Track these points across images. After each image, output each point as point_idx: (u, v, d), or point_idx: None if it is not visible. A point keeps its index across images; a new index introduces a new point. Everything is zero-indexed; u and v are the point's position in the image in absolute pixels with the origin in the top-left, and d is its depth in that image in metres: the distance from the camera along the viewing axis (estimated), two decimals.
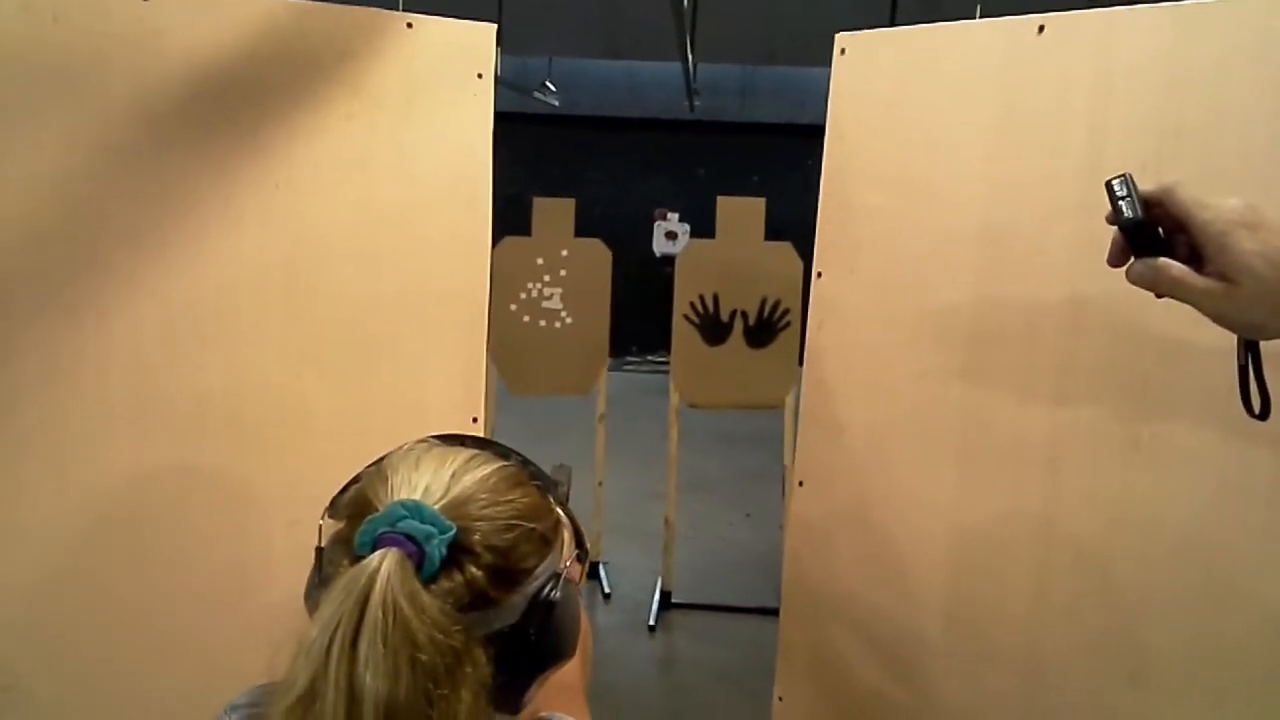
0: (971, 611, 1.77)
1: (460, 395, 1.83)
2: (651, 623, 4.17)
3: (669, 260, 9.34)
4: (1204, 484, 1.50)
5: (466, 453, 0.87)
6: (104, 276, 1.55)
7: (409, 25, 1.73)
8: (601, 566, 4.61)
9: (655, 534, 4.58)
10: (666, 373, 4.47)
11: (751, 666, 3.66)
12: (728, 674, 3.74)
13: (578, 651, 0.92)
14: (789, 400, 4.26)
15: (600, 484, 4.55)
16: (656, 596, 4.34)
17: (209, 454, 1.65)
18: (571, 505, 1.04)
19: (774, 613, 2.20)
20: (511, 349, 4.35)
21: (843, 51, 1.91)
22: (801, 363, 2.06)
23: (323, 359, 1.72)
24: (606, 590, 4.47)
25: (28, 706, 1.55)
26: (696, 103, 8.63)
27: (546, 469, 1.26)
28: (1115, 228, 0.93)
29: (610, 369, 4.56)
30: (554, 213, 4.44)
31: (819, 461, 2.00)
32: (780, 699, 2.10)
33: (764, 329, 4.27)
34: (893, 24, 1.88)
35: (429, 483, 0.82)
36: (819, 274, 1.97)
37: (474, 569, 0.79)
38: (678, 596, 4.37)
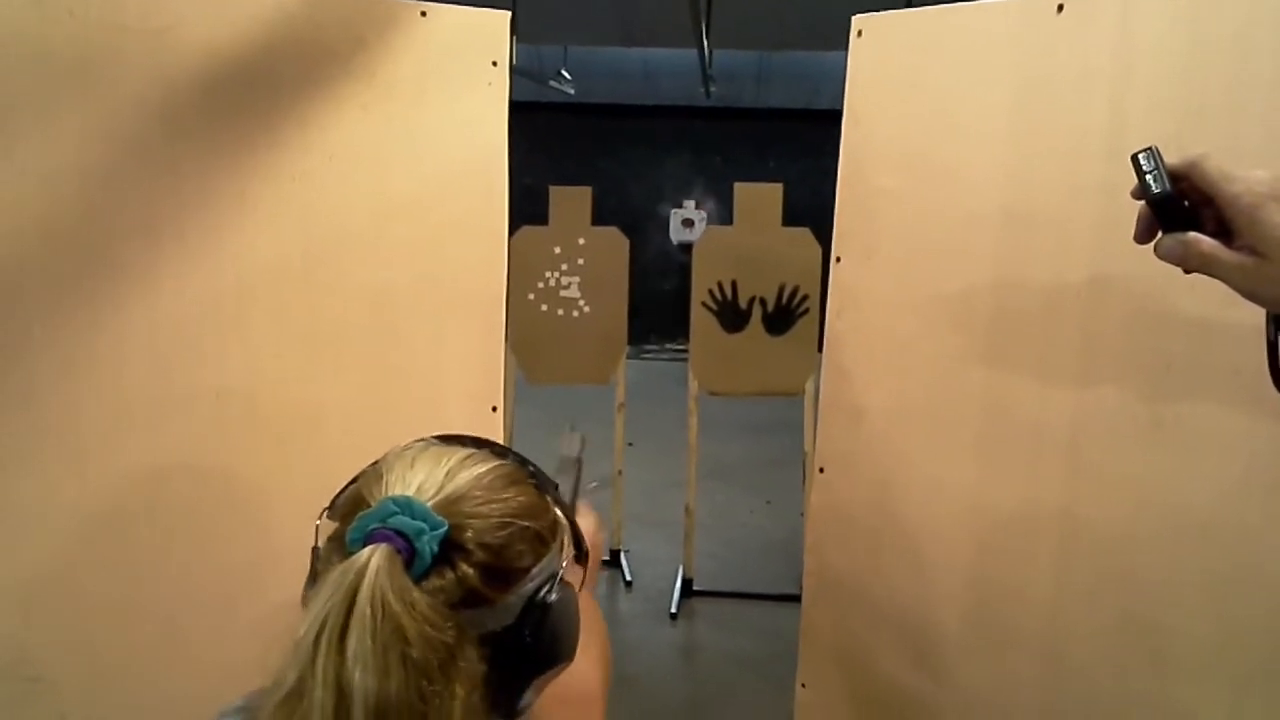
0: (993, 596, 1.77)
1: (479, 385, 1.83)
2: (673, 610, 4.17)
3: (687, 248, 9.33)
4: (1229, 466, 1.48)
5: (463, 451, 0.86)
6: (120, 270, 1.55)
7: (423, 14, 1.72)
8: (623, 555, 4.62)
9: (676, 522, 4.58)
10: (685, 360, 4.46)
11: (773, 653, 3.65)
12: (750, 661, 3.74)
13: (598, 660, 0.91)
14: (808, 387, 4.25)
15: (620, 473, 4.55)
16: (678, 584, 4.35)
17: (226, 447, 1.65)
18: (591, 494, 1.02)
19: (796, 599, 2.20)
20: (529, 338, 4.36)
21: (859, 34, 1.89)
22: (821, 349, 2.05)
23: (340, 350, 1.72)
24: (628, 578, 4.48)
25: (54, 698, 1.56)
26: (712, 89, 8.60)
27: (561, 438, 1.25)
28: (1141, 203, 0.92)
29: (629, 357, 4.55)
30: (571, 201, 4.43)
31: (839, 448, 1.99)
32: (803, 686, 2.10)
33: (783, 315, 4.25)
34: (909, 5, 1.86)
35: (423, 480, 0.81)
36: (838, 259, 1.96)
37: (466, 566, 0.77)
38: (699, 584, 4.37)
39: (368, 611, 0.69)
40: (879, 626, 1.95)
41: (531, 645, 0.81)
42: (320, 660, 0.68)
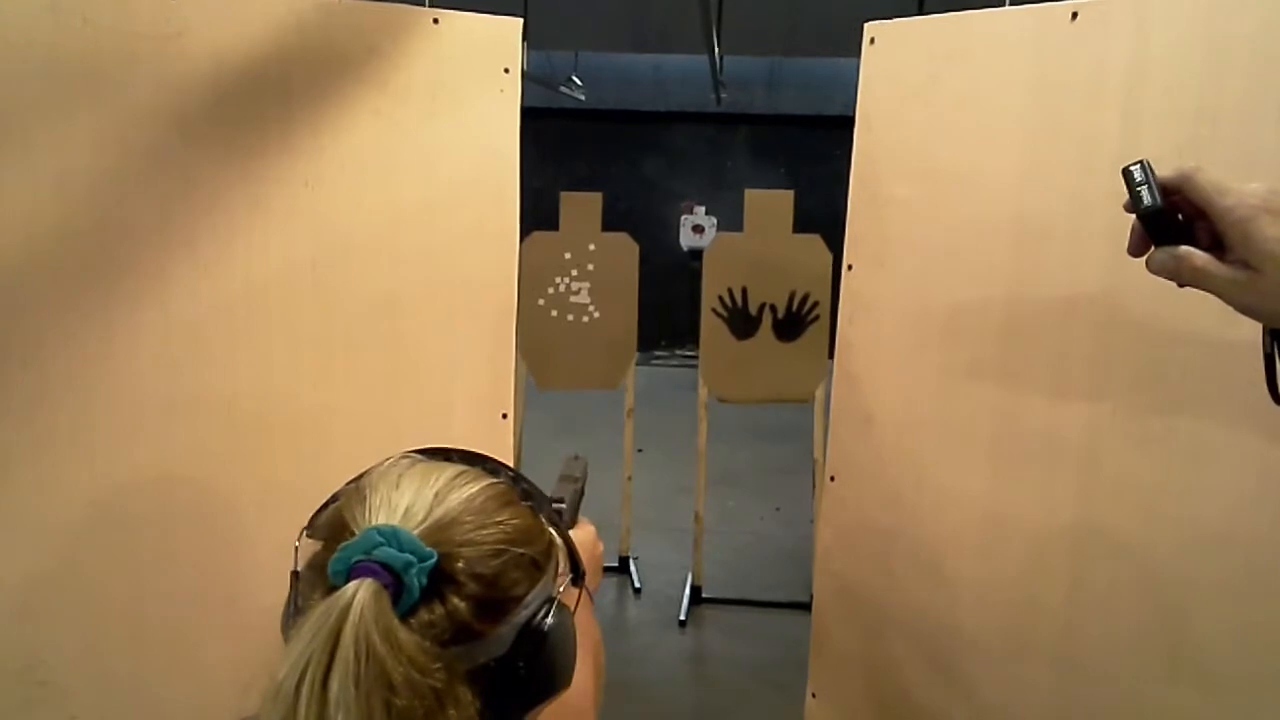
0: (1006, 605, 1.76)
1: (489, 391, 1.82)
2: (682, 618, 4.16)
3: (697, 254, 9.32)
4: (1242, 477, 1.47)
5: (452, 470, 0.81)
6: (133, 275, 1.56)
7: (435, 21, 1.72)
8: (632, 562, 4.61)
9: (685, 529, 4.57)
10: (695, 367, 4.46)
11: (783, 662, 3.64)
12: (759, 669, 3.73)
13: (590, 671, 0.87)
14: (819, 394, 4.24)
15: (629, 479, 4.54)
16: (687, 592, 4.34)
17: (236, 452, 1.66)
18: (601, 500, 1.00)
19: (806, 607, 2.19)
20: (539, 344, 4.35)
21: (872, 41, 1.89)
22: (831, 356, 2.04)
23: (351, 355, 1.72)
24: (637, 585, 4.47)
25: (63, 702, 1.56)
26: (723, 95, 8.60)
27: (563, 461, 1.23)
28: (1134, 216, 0.91)
29: (639, 363, 4.54)
30: (581, 207, 4.43)
31: (850, 456, 1.98)
32: (813, 695, 2.09)
33: (793, 322, 4.24)
34: (921, 13, 1.86)
35: (410, 504, 0.76)
36: (849, 267, 1.96)
37: (456, 600, 0.72)
38: (708, 591, 4.36)
39: (351, 655, 0.65)
40: (890, 635, 1.95)
41: (526, 676, 0.77)
42: (302, 708, 0.64)
